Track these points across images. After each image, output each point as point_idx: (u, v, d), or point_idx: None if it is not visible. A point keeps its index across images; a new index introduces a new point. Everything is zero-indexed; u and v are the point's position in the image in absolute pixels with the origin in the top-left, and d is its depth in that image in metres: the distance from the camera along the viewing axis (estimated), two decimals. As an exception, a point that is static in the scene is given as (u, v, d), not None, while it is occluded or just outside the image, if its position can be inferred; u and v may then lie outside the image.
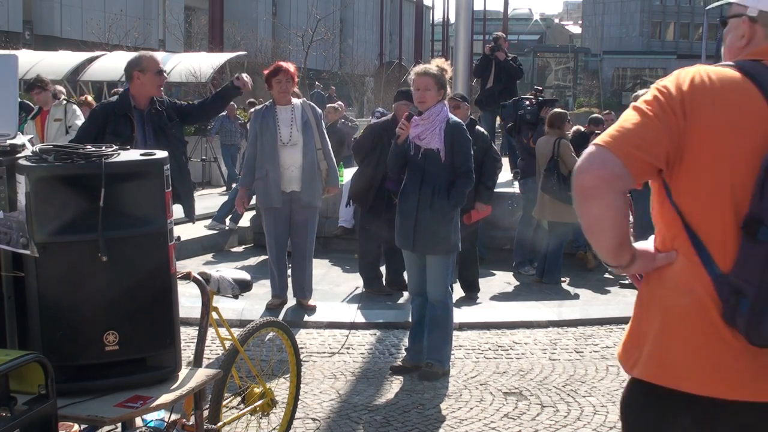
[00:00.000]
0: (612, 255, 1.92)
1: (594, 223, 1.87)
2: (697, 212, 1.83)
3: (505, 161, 10.12)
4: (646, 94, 1.86)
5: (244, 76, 5.50)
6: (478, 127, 7.20)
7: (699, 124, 1.77)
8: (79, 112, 8.82)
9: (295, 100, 6.39)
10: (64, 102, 8.67)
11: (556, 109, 8.45)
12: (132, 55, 5.43)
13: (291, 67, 6.34)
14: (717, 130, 1.77)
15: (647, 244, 2.00)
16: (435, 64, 5.03)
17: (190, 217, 5.49)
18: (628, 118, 1.83)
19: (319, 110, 6.62)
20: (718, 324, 1.79)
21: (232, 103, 17.06)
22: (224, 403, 3.52)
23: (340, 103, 18.20)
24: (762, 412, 1.80)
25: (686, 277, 1.85)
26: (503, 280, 8.38)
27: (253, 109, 6.27)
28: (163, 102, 5.36)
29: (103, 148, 2.78)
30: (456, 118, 5.14)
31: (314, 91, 24.96)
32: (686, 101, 1.78)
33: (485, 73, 11.64)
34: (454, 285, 6.98)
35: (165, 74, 5.39)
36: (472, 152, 5.15)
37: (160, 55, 23.27)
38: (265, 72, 6.42)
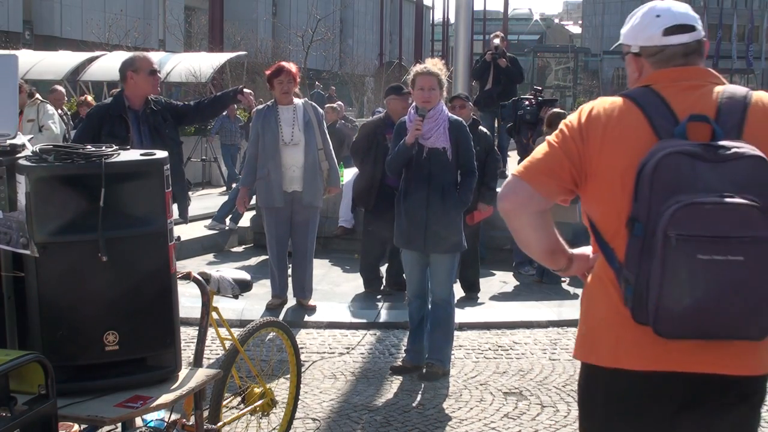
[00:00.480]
0: (546, 261, 2.36)
1: (519, 238, 2.30)
2: (600, 216, 2.18)
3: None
4: (557, 130, 2.26)
5: (250, 95, 5.45)
6: (481, 127, 7.21)
7: (595, 146, 2.13)
8: (52, 111, 8.77)
9: (297, 100, 6.39)
10: (38, 102, 8.64)
11: (555, 109, 8.45)
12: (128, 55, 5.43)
13: (293, 67, 6.35)
14: (608, 148, 2.11)
15: (586, 249, 2.35)
16: (435, 64, 5.04)
17: (183, 217, 5.49)
18: (539, 149, 2.25)
19: (321, 110, 6.63)
20: (620, 307, 2.08)
21: (231, 102, 17.13)
22: (224, 403, 3.52)
23: (339, 103, 18.20)
24: (668, 380, 2.06)
25: (600, 270, 2.19)
26: (503, 280, 8.38)
27: (254, 109, 6.25)
28: (159, 102, 5.34)
29: (103, 148, 2.78)
30: (456, 117, 5.16)
31: (314, 91, 24.97)
32: (584, 130, 2.16)
33: (483, 76, 11.64)
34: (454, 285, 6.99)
35: (159, 74, 5.38)
36: (473, 149, 5.17)
37: (159, 55, 23.35)
38: (267, 72, 6.44)
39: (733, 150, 1.97)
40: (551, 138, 2.25)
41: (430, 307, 5.17)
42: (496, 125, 11.69)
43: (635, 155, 2.04)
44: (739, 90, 2.13)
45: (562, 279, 8.16)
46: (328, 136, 6.51)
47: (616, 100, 2.18)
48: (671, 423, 2.11)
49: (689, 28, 2.16)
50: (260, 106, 6.62)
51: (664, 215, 1.92)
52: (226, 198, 10.72)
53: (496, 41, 12.06)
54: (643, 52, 2.20)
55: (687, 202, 1.91)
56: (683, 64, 2.16)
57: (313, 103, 6.62)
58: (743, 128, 2.06)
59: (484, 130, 7.26)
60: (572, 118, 2.24)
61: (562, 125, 2.26)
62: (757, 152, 1.97)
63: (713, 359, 2.04)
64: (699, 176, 1.94)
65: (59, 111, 9.89)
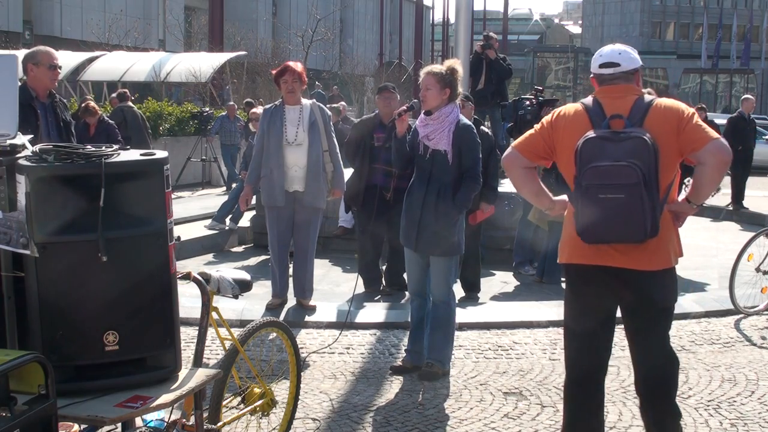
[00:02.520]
0: (533, 200, 3.85)
1: (516, 185, 3.69)
2: (566, 174, 3.52)
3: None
4: (539, 123, 3.65)
5: None
6: (483, 127, 7.24)
7: (558, 133, 3.52)
8: None
9: (304, 101, 6.38)
10: None
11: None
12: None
13: (298, 66, 6.35)
14: (566, 135, 3.48)
15: (564, 196, 3.62)
16: (446, 65, 5.01)
17: None
18: (529, 132, 3.65)
19: (328, 112, 6.61)
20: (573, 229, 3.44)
21: (232, 103, 17.13)
22: (224, 403, 3.51)
23: (343, 103, 18.16)
24: (592, 269, 3.46)
25: (570, 208, 3.53)
26: (503, 280, 8.38)
27: (262, 108, 6.28)
28: (62, 101, 5.65)
29: (103, 148, 2.78)
30: (466, 121, 5.10)
31: (314, 91, 24.98)
32: (553, 123, 3.56)
33: (477, 72, 11.62)
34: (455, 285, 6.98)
35: (59, 70, 5.60)
36: (480, 156, 5.14)
37: (159, 55, 23.32)
38: (274, 72, 6.44)
39: (628, 133, 3.30)
40: (536, 126, 3.62)
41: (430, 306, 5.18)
42: (489, 124, 11.70)
43: (578, 138, 3.37)
44: (647, 97, 3.46)
45: (562, 279, 8.16)
46: (334, 137, 6.49)
47: (575, 105, 3.57)
48: (597, 296, 3.53)
49: (613, 65, 3.50)
50: (268, 106, 6.64)
51: (584, 174, 3.30)
52: (226, 198, 10.72)
53: (490, 33, 12.13)
54: (595, 77, 3.57)
55: (592, 165, 3.29)
56: (610, 83, 3.50)
57: (321, 105, 6.61)
58: (644, 121, 3.36)
59: (486, 130, 7.28)
60: (548, 117, 3.62)
61: (543, 120, 3.62)
62: (642, 135, 3.27)
63: (613, 257, 3.39)
64: (605, 151, 3.29)
65: None
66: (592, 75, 3.60)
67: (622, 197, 3.24)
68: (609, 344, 3.64)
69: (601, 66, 3.52)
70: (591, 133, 3.33)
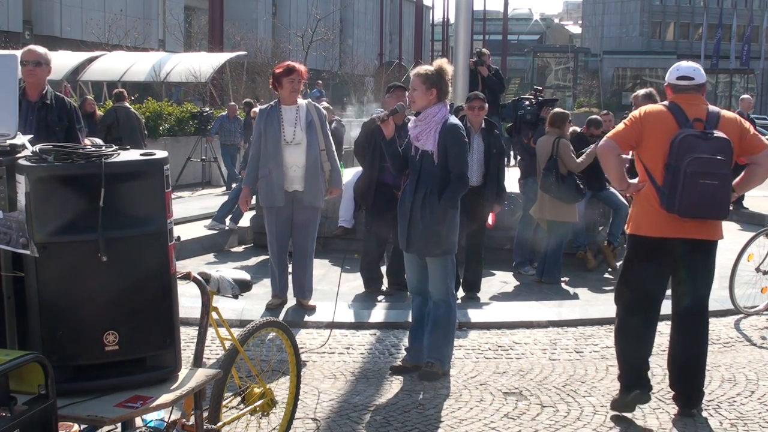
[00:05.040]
0: (618, 182, 4.53)
1: (608, 168, 4.47)
2: (650, 161, 4.37)
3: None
4: (628, 116, 4.51)
5: None
6: (496, 130, 7.31)
7: (647, 128, 4.37)
8: None
9: (300, 101, 6.38)
10: None
11: (557, 109, 8.45)
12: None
13: (303, 68, 6.37)
14: (654, 129, 4.36)
15: (635, 180, 4.50)
16: (435, 64, 5.01)
17: None
18: (620, 126, 4.46)
19: (324, 111, 6.61)
20: (657, 205, 4.32)
21: (232, 102, 17.14)
22: (224, 403, 3.51)
23: (325, 103, 18.08)
24: (679, 243, 4.37)
25: (647, 189, 4.39)
26: (503, 280, 8.38)
27: (258, 108, 6.27)
28: (60, 100, 5.64)
29: (103, 148, 2.78)
30: (454, 121, 5.04)
31: (315, 89, 25.00)
32: (642, 119, 4.41)
33: (472, 86, 11.70)
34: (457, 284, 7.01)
35: (40, 67, 5.51)
36: (467, 156, 5.09)
37: (159, 55, 23.27)
38: (278, 70, 6.38)
39: (715, 134, 4.25)
40: (626, 120, 4.47)
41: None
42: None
43: (668, 133, 4.29)
44: (712, 107, 4.41)
45: (562, 279, 8.17)
46: (330, 137, 6.49)
47: (657, 106, 4.49)
48: (662, 264, 4.44)
49: (689, 78, 4.44)
50: (263, 106, 6.63)
51: (688, 162, 4.13)
52: (226, 198, 10.72)
53: (482, 50, 12.24)
54: (669, 85, 4.49)
55: (695, 156, 4.15)
56: (685, 93, 4.43)
57: (317, 104, 6.61)
58: (718, 126, 4.33)
59: (497, 132, 7.38)
60: (635, 113, 4.48)
61: (630, 116, 4.49)
62: (726, 137, 4.24)
63: (689, 230, 4.31)
64: (699, 146, 4.19)
65: None
66: (667, 84, 4.49)
67: (716, 183, 4.16)
68: (660, 306, 4.57)
69: (679, 78, 4.45)
70: (686, 131, 4.22)
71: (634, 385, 4.45)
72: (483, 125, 7.13)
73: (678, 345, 4.55)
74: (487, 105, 7.27)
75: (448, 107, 5.18)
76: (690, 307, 4.52)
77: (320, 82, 27.99)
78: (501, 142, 7.29)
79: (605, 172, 4.57)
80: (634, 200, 4.57)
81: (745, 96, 15.13)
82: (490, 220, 7.38)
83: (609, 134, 4.46)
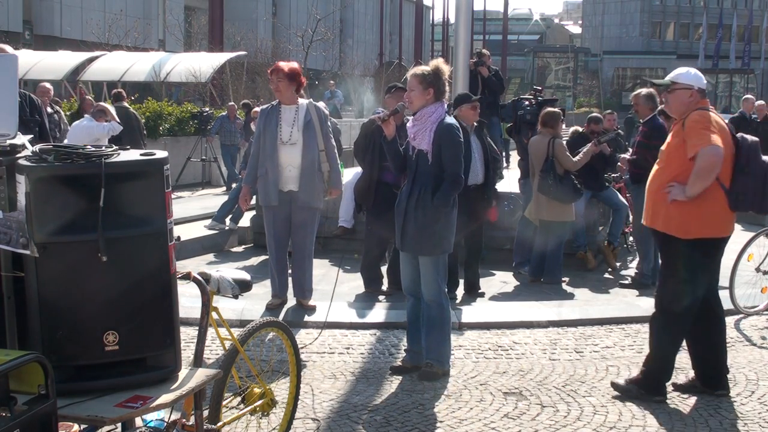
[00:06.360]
0: (708, 184, 4.55)
1: (714, 173, 4.51)
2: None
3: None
4: (696, 122, 4.59)
5: None
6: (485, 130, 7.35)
7: (722, 133, 4.56)
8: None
9: (301, 101, 6.37)
10: None
11: (549, 108, 8.43)
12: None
13: (286, 66, 6.29)
14: (723, 133, 4.56)
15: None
16: (431, 64, 5.01)
17: None
18: (706, 132, 4.53)
19: (325, 111, 6.59)
20: (726, 206, 4.60)
21: (231, 103, 17.13)
22: (224, 403, 3.51)
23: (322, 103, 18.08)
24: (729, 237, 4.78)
25: (715, 192, 4.58)
26: (503, 280, 8.37)
27: (259, 108, 6.29)
28: (32, 99, 5.70)
29: (103, 148, 2.78)
30: (450, 121, 5.04)
31: (328, 90, 25.18)
32: (716, 123, 4.58)
33: (473, 86, 11.71)
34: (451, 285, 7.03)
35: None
36: (461, 156, 5.06)
37: (159, 55, 23.25)
38: (269, 71, 6.47)
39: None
40: (702, 126, 4.54)
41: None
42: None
43: (729, 136, 4.61)
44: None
45: (562, 279, 8.17)
46: (331, 137, 6.48)
47: (709, 112, 4.65)
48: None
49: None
50: (264, 106, 6.63)
51: (757, 163, 4.56)
52: (226, 198, 10.72)
53: (483, 50, 12.26)
54: (701, 90, 4.74)
55: (764, 159, 4.60)
56: (705, 98, 4.81)
57: (318, 105, 6.58)
58: None
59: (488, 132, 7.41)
60: (705, 118, 4.58)
61: (704, 120, 4.57)
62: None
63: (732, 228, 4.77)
64: (758, 147, 4.63)
65: (49, 109, 9.82)
66: (697, 88, 4.71)
67: None
68: None
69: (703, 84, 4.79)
70: (745, 135, 4.68)
71: (665, 379, 4.82)
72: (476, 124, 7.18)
73: (703, 335, 4.89)
74: (478, 104, 7.32)
75: (446, 107, 5.19)
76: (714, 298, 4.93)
77: (332, 82, 27.97)
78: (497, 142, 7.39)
79: (710, 180, 4.53)
80: (684, 203, 4.55)
81: (749, 96, 15.14)
82: (492, 216, 7.44)
83: (711, 143, 4.46)
